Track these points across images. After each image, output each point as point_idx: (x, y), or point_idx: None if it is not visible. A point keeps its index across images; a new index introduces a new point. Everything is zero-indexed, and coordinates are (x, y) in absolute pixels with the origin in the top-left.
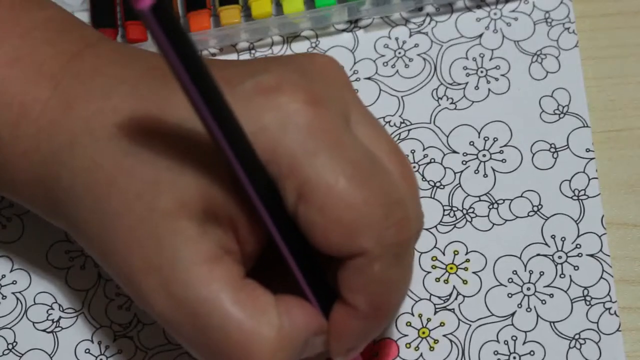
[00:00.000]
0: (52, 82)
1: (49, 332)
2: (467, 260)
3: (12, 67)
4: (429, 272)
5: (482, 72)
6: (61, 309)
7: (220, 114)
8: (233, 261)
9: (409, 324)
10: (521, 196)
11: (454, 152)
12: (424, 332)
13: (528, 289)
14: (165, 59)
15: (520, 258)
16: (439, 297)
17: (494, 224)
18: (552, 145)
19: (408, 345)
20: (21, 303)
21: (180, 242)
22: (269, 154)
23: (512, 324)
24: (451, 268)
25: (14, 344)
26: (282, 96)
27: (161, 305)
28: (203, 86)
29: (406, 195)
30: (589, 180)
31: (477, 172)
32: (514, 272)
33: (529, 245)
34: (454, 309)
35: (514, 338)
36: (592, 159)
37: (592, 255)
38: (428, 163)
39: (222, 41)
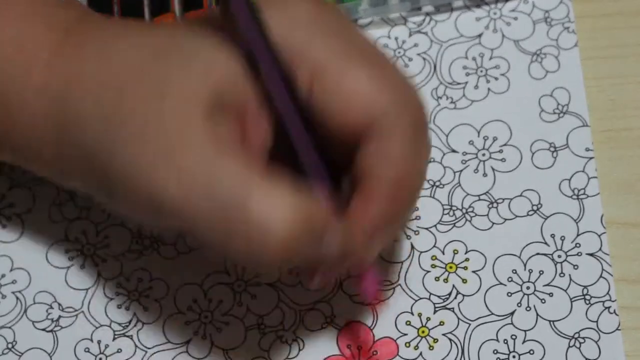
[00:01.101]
0: (62, 30)
1: (48, 331)
2: (467, 260)
3: (25, 21)
4: (428, 271)
5: (481, 71)
6: (61, 308)
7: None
8: (245, 150)
9: (408, 323)
10: (521, 195)
11: (454, 151)
12: (423, 331)
13: (527, 288)
14: None
15: (519, 257)
16: (439, 296)
17: (493, 223)
18: (552, 145)
19: (407, 344)
20: (21, 302)
21: (189, 129)
22: (280, 46)
23: (512, 323)
24: (451, 267)
25: (14, 343)
26: (289, 4)
27: (172, 191)
28: None
29: (415, 89)
30: (589, 179)
31: (476, 171)
32: (514, 271)
33: (528, 244)
34: (453, 308)
35: (514, 337)
36: (591, 158)
37: (591, 255)
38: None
39: None
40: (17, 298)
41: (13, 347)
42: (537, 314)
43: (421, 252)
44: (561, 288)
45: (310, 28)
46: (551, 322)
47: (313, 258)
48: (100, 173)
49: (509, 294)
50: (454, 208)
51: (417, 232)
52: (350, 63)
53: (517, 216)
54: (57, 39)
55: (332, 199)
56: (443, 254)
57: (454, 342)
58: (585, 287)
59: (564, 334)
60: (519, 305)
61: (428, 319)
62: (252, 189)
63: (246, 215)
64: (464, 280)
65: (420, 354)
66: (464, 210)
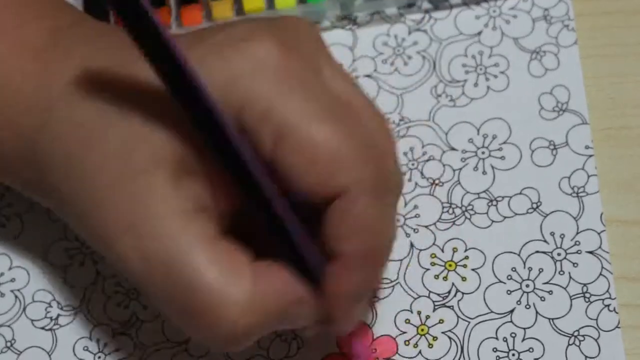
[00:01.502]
0: (33, 55)
1: (47, 330)
2: (466, 257)
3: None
4: (427, 269)
5: (481, 69)
6: (60, 306)
7: (180, 76)
8: (209, 218)
9: (407, 321)
10: (520, 193)
11: (453, 149)
12: (422, 329)
13: (527, 285)
14: (130, 27)
15: (519, 255)
16: (438, 294)
17: (493, 221)
18: (552, 143)
19: (407, 343)
20: (20, 300)
21: (154, 197)
22: (242, 100)
23: (511, 321)
24: (450, 265)
25: (13, 341)
26: (253, 45)
27: (134, 263)
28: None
29: (382, 142)
30: (588, 177)
31: (476, 169)
32: (513, 269)
33: (528, 242)
34: (453, 306)
35: (513, 335)
36: (591, 155)
37: (591, 252)
38: (427, 160)
39: None
40: (16, 296)
41: (12, 345)
42: (537, 312)
43: (420, 250)
44: (561, 286)
45: (275, 79)
46: (551, 320)
47: (286, 329)
48: (71, 218)
49: (509, 292)
50: (453, 206)
51: (416, 230)
52: (314, 122)
53: (516, 214)
54: (29, 67)
55: (302, 262)
56: (442, 251)
57: (454, 340)
58: (584, 285)
59: (563, 331)
60: (519, 303)
61: (427, 317)
62: (209, 271)
63: (200, 299)
64: (464, 278)
65: (420, 352)
66: (464, 208)
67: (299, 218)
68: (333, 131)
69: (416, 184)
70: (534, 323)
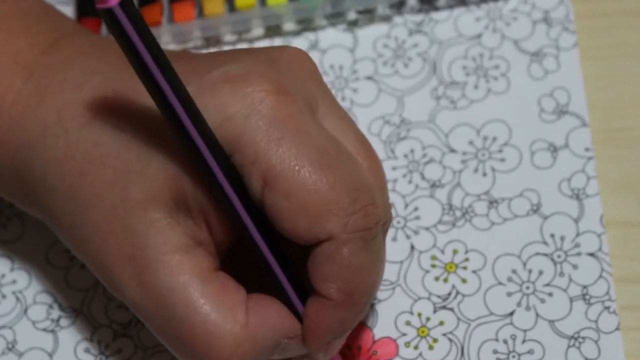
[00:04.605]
0: (26, 72)
1: (48, 332)
2: (467, 259)
3: None
4: (428, 271)
5: (481, 71)
6: (61, 308)
7: (184, 108)
8: (204, 252)
9: (408, 322)
10: (520, 195)
11: (453, 151)
12: (423, 331)
13: (527, 287)
14: (131, 56)
15: (519, 257)
16: (438, 296)
17: (493, 223)
18: (552, 145)
19: (407, 344)
20: (21, 302)
21: (151, 232)
22: (234, 142)
23: (512, 323)
24: (450, 267)
25: (14, 343)
26: (248, 86)
27: (133, 294)
28: (168, 81)
29: (373, 184)
30: (588, 179)
31: (476, 171)
32: (513, 271)
33: (528, 244)
34: (453, 308)
35: (513, 337)
36: (591, 158)
37: (591, 254)
38: (427, 162)
39: (206, 32)
40: (18, 298)
41: (13, 347)
42: (537, 314)
43: (421, 252)
44: (561, 288)
45: (268, 122)
46: (551, 322)
47: None
48: (65, 236)
49: (509, 294)
50: (453, 208)
51: (416, 232)
52: (304, 168)
53: (516, 216)
54: (22, 82)
55: (291, 298)
56: (443, 253)
57: (454, 342)
58: (584, 287)
59: (563, 333)
60: (519, 305)
61: (428, 318)
62: (204, 306)
63: (195, 333)
64: (464, 280)
65: (420, 354)
66: (464, 210)
67: (286, 254)
68: (321, 178)
69: (417, 186)
70: (534, 325)
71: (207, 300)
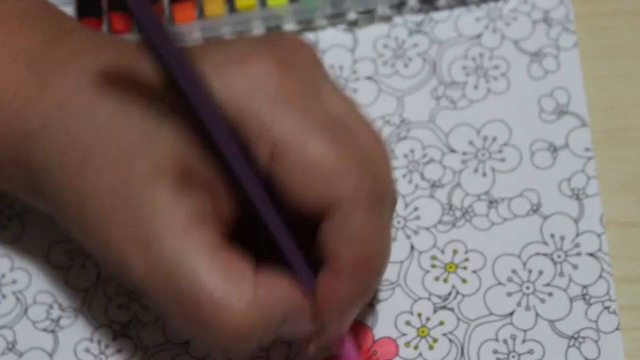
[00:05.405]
0: (26, 67)
1: (49, 332)
2: (467, 259)
3: None
4: (428, 271)
5: (481, 71)
6: (61, 308)
7: (191, 80)
8: (210, 226)
9: (408, 322)
10: (520, 195)
11: (453, 151)
12: (423, 331)
13: (527, 287)
14: (149, 40)
15: (519, 257)
16: (438, 296)
17: (493, 223)
18: (552, 145)
19: (407, 344)
20: (21, 302)
21: (156, 206)
22: (239, 118)
23: (512, 323)
24: (450, 267)
25: (14, 343)
26: (251, 64)
27: (139, 271)
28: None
29: (378, 159)
30: (588, 179)
31: (476, 171)
32: (513, 271)
33: (528, 244)
34: (453, 308)
35: (513, 337)
36: (591, 158)
37: (591, 254)
38: (427, 162)
39: (206, 33)
40: (18, 298)
41: (13, 347)
42: (537, 314)
43: (421, 252)
44: (561, 288)
45: (272, 97)
46: (551, 322)
47: (281, 338)
48: (71, 225)
49: (509, 294)
50: (453, 208)
51: (416, 232)
52: (310, 139)
53: (516, 216)
54: (22, 75)
55: (301, 270)
56: (443, 253)
57: (454, 342)
58: (584, 287)
59: (563, 333)
60: (519, 305)
61: (428, 318)
62: (211, 278)
63: (203, 305)
64: (464, 280)
65: (420, 354)
66: (464, 210)
67: (294, 229)
68: (328, 147)
69: (417, 186)
70: (534, 325)
71: (214, 273)
